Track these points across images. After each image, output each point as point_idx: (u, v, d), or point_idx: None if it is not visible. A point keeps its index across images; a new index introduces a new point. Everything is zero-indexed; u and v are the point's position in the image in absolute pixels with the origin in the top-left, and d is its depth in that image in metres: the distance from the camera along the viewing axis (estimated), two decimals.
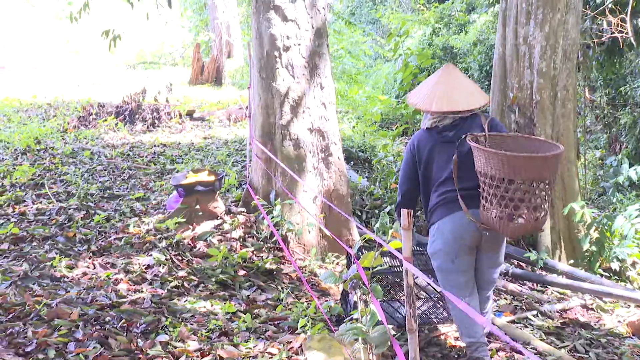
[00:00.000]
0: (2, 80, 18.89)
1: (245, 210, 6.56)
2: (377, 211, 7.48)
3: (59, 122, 11.74)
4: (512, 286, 6.07)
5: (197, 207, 6.31)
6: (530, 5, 6.53)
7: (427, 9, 18.64)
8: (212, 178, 6.51)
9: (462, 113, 4.44)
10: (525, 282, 6.34)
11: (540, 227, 4.29)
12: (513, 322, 5.32)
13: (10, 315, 4.11)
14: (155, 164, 9.03)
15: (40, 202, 7.06)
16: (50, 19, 34.98)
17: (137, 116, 11.79)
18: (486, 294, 4.55)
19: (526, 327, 5.31)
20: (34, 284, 4.76)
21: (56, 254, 5.45)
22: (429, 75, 6.97)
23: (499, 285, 5.98)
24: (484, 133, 4.35)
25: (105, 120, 11.58)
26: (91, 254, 5.57)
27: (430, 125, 4.50)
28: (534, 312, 5.58)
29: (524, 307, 5.73)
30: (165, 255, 5.55)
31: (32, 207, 6.83)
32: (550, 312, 5.65)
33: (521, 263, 6.63)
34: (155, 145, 10.16)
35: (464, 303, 2.68)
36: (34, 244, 5.71)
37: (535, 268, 6.42)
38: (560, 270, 6.34)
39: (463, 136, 4.34)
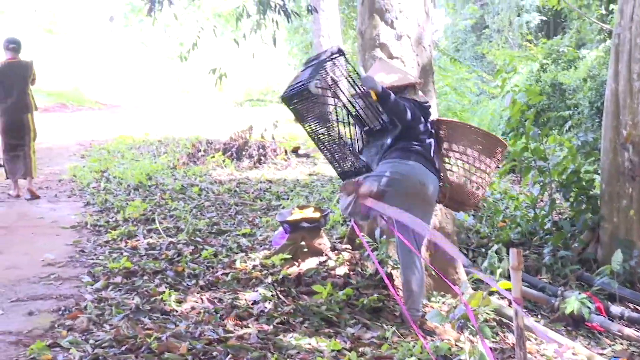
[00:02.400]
0: (117, 119, 19.60)
1: (350, 248, 6.55)
2: (483, 250, 7.36)
3: (169, 158, 12.08)
4: (629, 331, 5.84)
5: (303, 243, 6.33)
6: None
7: (534, 45, 18.37)
8: (317, 215, 6.53)
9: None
10: None
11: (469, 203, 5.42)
12: None
13: (123, 348, 4.21)
14: (261, 200, 9.16)
15: (151, 237, 7.25)
16: (162, 58, 36.12)
17: (244, 153, 12.01)
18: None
19: None
20: (145, 317, 4.87)
21: (166, 288, 5.56)
22: (537, 113, 6.90)
23: (614, 330, 5.78)
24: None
25: (213, 157, 11.84)
26: (199, 288, 5.67)
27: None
28: None
29: None
30: (271, 291, 5.58)
31: (143, 242, 7.03)
32: None
33: (637, 307, 6.39)
34: (261, 182, 10.31)
35: None
36: (145, 277, 5.85)
37: None
38: None
39: None
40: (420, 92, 5.42)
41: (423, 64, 6.23)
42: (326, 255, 6.33)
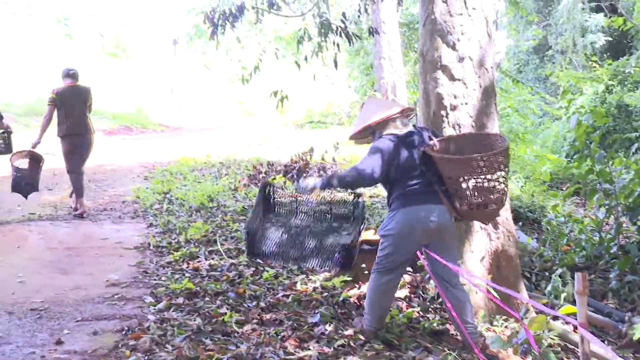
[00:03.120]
0: (179, 140, 19.86)
1: (411, 270, 6.51)
2: (547, 274, 7.23)
3: (231, 180, 12.17)
4: None
5: (363, 265, 6.31)
6: None
7: (599, 66, 18.11)
8: (377, 237, 6.51)
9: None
10: None
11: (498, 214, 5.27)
12: None
13: None
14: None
15: (213, 258, 7.31)
16: (224, 81, 36.57)
17: (304, 174, 12.04)
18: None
19: None
20: (206, 338, 4.90)
21: (227, 309, 5.59)
22: (603, 135, 6.78)
23: None
24: (432, 141, 5.17)
25: (274, 178, 11.89)
26: (260, 310, 5.68)
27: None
28: None
29: None
30: (332, 314, 5.58)
31: (205, 263, 7.09)
32: None
33: None
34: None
35: None
36: (207, 299, 5.89)
37: None
38: None
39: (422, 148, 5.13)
40: (399, 122, 5.33)
41: (485, 86, 6.18)
42: None
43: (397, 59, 21.38)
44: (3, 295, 5.96)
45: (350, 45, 9.71)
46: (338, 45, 9.25)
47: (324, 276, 6.56)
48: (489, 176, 4.87)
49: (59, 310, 5.58)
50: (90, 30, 50.22)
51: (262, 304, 5.82)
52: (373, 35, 10.88)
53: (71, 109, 9.69)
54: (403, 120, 5.36)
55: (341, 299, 5.90)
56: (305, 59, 9.41)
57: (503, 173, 4.92)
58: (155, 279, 6.56)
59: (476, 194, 4.90)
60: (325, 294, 6.07)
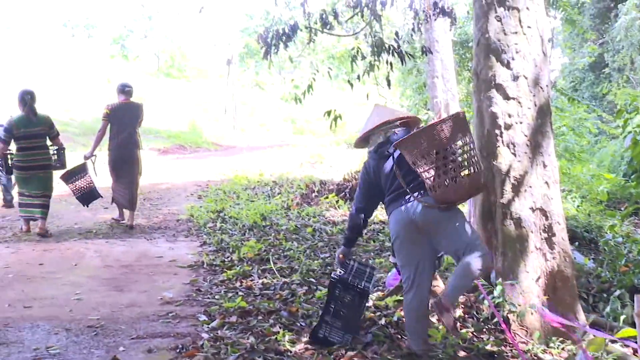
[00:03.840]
0: (233, 159, 20.03)
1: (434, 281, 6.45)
2: (605, 295, 7.09)
3: (283, 199, 12.23)
4: None
5: None
6: None
7: None
8: None
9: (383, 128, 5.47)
10: None
11: (479, 180, 5.13)
12: None
13: None
14: (374, 242, 9.14)
15: (266, 277, 7.34)
16: (277, 100, 36.85)
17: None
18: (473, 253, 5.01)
19: None
20: (259, 357, 4.92)
21: (280, 328, 5.60)
22: None
23: None
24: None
25: (327, 197, 11.91)
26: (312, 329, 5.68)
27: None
28: None
29: None
30: (385, 333, 5.55)
31: (258, 282, 7.12)
32: None
33: None
34: (374, 223, 10.29)
35: None
36: (260, 317, 5.92)
37: None
38: None
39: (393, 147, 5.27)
40: (375, 138, 5.55)
41: (540, 104, 6.11)
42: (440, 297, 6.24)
43: (451, 78, 21.31)
44: (61, 312, 6.07)
45: (403, 64, 9.69)
46: (391, 64, 9.25)
47: (377, 295, 6.53)
48: (449, 147, 4.93)
49: (114, 328, 5.65)
50: (145, 51, 51.21)
51: (315, 323, 5.81)
52: (426, 55, 10.84)
53: (123, 125, 10.27)
54: (387, 130, 5.50)
55: (394, 318, 5.86)
56: (358, 77, 9.43)
57: (463, 141, 4.98)
58: (208, 297, 6.60)
59: (443, 167, 4.92)
60: (378, 313, 6.04)
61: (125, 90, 10.40)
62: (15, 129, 9.60)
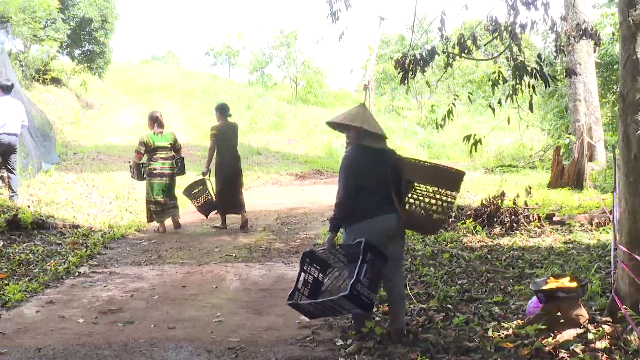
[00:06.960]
0: None
1: (610, 320, 6.19)
2: None
3: None
4: None
5: (559, 314, 6.09)
6: None
7: None
8: (574, 284, 6.25)
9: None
10: None
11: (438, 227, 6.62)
12: None
13: None
14: (513, 268, 8.93)
15: None
16: (413, 125, 36.78)
17: (495, 219, 11.81)
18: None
19: None
20: None
21: (417, 355, 5.55)
22: None
23: None
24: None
25: (464, 223, 11.76)
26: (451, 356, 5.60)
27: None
28: None
29: None
30: None
31: None
32: None
33: None
34: (513, 249, 10.07)
35: None
36: (398, 344, 5.88)
37: None
38: None
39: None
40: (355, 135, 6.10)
41: None
42: (584, 327, 6.02)
43: (594, 101, 20.72)
44: (203, 334, 6.26)
45: (547, 87, 9.49)
46: (533, 87, 9.09)
47: (517, 323, 6.38)
48: (441, 190, 5.97)
49: (254, 350, 5.77)
50: (283, 77, 52.35)
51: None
52: (570, 77, 10.60)
53: (228, 142, 12.19)
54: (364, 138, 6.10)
55: (534, 347, 5.69)
56: (499, 102, 9.31)
57: (452, 194, 5.99)
58: (345, 322, 6.62)
59: (426, 200, 6.03)
60: (518, 342, 5.89)
61: (225, 112, 12.30)
62: (148, 144, 11.88)
